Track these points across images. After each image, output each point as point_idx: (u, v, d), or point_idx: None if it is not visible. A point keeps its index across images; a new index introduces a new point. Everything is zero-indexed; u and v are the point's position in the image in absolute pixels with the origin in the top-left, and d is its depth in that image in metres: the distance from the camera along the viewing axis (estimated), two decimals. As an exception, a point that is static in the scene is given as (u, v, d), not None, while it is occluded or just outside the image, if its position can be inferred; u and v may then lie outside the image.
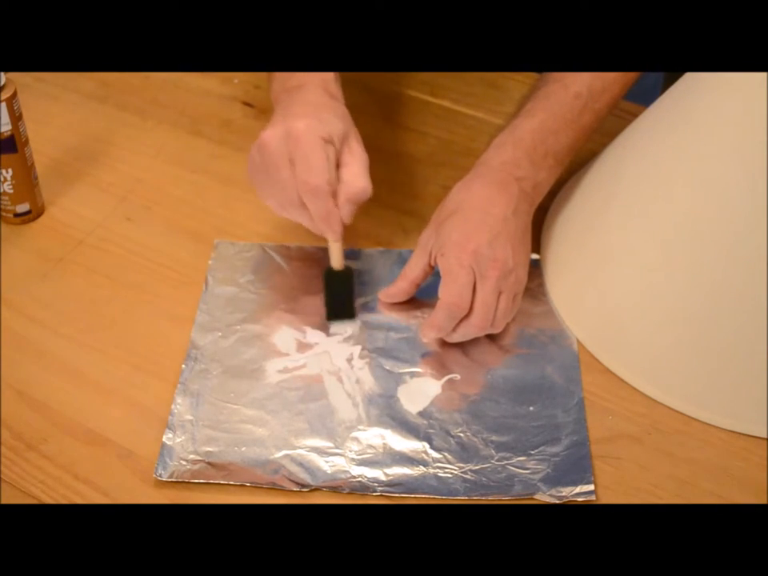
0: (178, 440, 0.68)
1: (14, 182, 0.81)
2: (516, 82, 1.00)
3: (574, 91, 0.78)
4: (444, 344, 0.75)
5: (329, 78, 0.76)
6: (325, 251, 0.82)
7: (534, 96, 0.80)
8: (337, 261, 0.75)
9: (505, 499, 0.66)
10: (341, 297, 0.77)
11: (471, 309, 0.71)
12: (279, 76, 0.77)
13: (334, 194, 0.70)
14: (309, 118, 0.69)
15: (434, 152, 0.93)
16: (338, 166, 0.71)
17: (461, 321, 0.72)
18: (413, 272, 0.76)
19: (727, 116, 0.67)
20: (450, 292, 0.71)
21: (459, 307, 0.71)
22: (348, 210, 0.71)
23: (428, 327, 0.73)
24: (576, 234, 0.79)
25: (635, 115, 0.79)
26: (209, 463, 0.67)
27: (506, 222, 0.73)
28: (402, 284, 0.77)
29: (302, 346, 0.75)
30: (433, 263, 0.75)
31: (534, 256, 0.81)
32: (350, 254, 0.82)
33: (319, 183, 0.68)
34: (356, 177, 0.71)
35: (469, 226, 0.72)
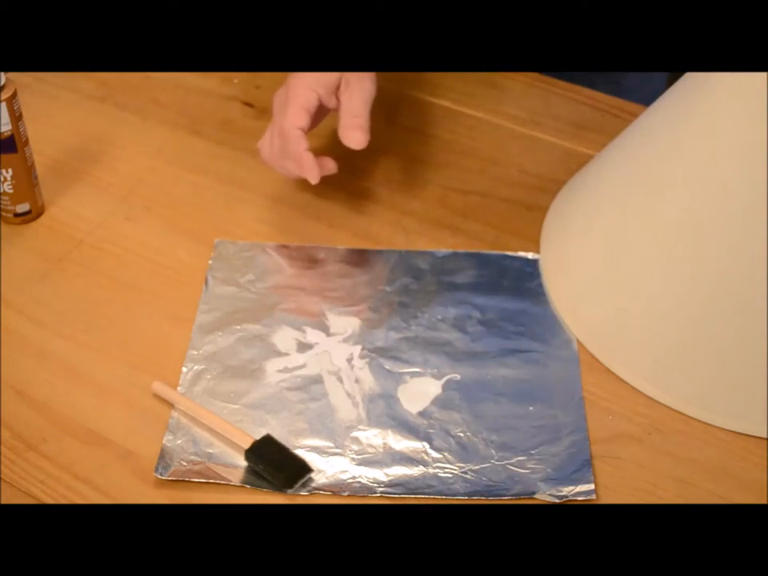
0: (179, 441, 0.68)
1: (13, 181, 0.81)
2: (516, 81, 1.00)
3: None
4: (444, 343, 0.74)
5: None
6: (325, 250, 0.82)
7: None
8: (241, 440, 0.67)
9: (505, 499, 0.66)
10: (280, 459, 0.67)
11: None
12: None
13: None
14: (304, 74, 0.75)
15: (434, 152, 0.93)
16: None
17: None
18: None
19: (727, 116, 0.67)
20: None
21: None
22: (353, 133, 0.75)
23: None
24: (576, 234, 0.79)
25: (635, 115, 0.79)
26: (209, 464, 0.67)
27: None
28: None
29: (302, 346, 0.75)
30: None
31: (535, 256, 0.81)
32: (350, 254, 0.82)
33: (285, 126, 0.74)
34: (350, 107, 0.76)
35: None
